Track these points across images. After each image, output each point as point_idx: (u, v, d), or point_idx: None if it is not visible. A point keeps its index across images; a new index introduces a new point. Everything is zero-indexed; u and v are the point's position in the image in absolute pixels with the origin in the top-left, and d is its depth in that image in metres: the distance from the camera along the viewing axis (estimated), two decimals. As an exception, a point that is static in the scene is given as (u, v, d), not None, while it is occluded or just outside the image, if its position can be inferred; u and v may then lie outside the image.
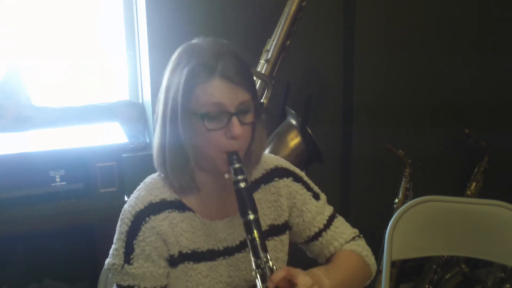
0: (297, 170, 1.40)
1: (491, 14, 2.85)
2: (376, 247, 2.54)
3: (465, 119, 2.85)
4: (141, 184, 1.30)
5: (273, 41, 2.22)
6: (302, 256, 1.44)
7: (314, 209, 1.37)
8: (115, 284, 1.27)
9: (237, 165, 1.16)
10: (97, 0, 2.55)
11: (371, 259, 1.38)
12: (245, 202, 1.16)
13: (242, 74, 1.16)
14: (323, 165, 2.37)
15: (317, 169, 2.40)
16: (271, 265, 1.14)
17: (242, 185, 1.16)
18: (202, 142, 1.17)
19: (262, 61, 2.23)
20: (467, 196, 2.75)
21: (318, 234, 1.37)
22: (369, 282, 1.40)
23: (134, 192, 1.29)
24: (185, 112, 1.16)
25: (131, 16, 2.56)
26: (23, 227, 2.03)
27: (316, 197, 1.39)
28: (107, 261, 1.26)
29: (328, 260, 1.37)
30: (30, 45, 2.49)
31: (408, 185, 2.62)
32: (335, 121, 2.80)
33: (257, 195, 1.32)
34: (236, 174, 1.16)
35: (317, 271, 1.23)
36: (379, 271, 2.59)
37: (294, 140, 2.28)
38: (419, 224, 1.84)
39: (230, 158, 1.16)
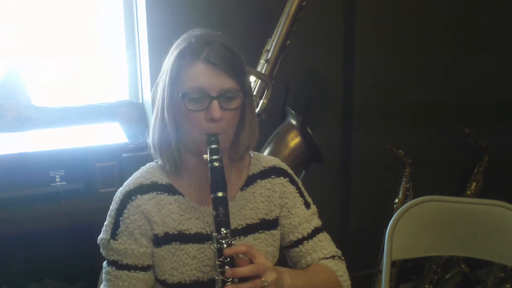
0: (295, 176, 1.45)
1: (491, 14, 2.85)
2: (376, 247, 2.55)
3: (465, 119, 2.85)
4: (139, 169, 1.37)
5: (273, 41, 2.22)
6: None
7: (302, 215, 1.41)
8: (105, 261, 1.34)
9: (213, 146, 1.21)
10: (97, 0, 2.55)
11: (346, 281, 1.41)
12: (217, 180, 1.20)
13: (228, 62, 1.22)
14: (323, 165, 2.37)
15: (317, 169, 2.40)
16: (230, 241, 1.18)
17: (215, 164, 1.21)
18: (186, 124, 1.24)
19: (262, 61, 2.23)
20: (467, 196, 2.75)
21: (300, 242, 1.41)
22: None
23: (131, 176, 1.36)
24: (171, 93, 1.24)
25: (131, 16, 2.56)
26: (23, 227, 2.03)
27: (307, 205, 1.43)
28: (99, 236, 1.33)
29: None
30: (30, 45, 2.49)
31: (408, 185, 2.62)
32: (335, 121, 2.80)
33: (252, 189, 1.38)
34: (211, 154, 1.21)
35: (282, 268, 1.27)
36: (379, 271, 2.59)
37: (294, 140, 2.28)
38: (419, 224, 1.84)
39: (208, 139, 1.22)
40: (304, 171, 2.32)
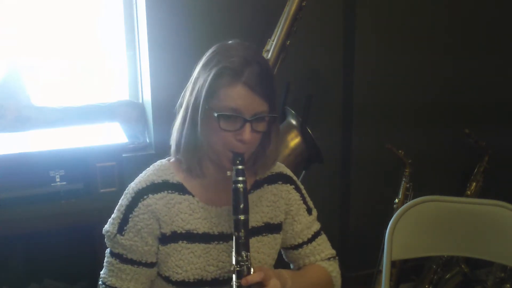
0: (299, 182, 1.49)
1: (491, 14, 2.85)
2: (376, 247, 2.55)
3: (465, 119, 2.85)
4: (150, 166, 1.39)
5: (273, 41, 2.22)
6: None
7: (304, 222, 1.46)
8: (108, 249, 1.35)
9: (239, 167, 1.24)
10: (97, 0, 2.55)
11: (338, 280, 1.49)
12: (239, 202, 1.24)
13: (265, 85, 1.23)
14: (323, 165, 2.37)
15: (317, 169, 2.40)
16: (249, 264, 1.22)
17: (239, 185, 1.24)
18: (214, 137, 1.25)
19: (262, 61, 2.23)
20: (467, 196, 2.75)
21: (300, 246, 1.47)
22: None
23: (143, 172, 1.38)
24: (206, 107, 1.24)
25: (131, 16, 2.56)
26: (23, 227, 2.03)
27: (309, 211, 1.48)
28: (105, 227, 1.35)
29: (299, 269, 1.49)
30: (30, 45, 2.49)
31: (408, 185, 2.62)
32: (335, 121, 2.80)
33: (259, 193, 1.41)
34: (237, 174, 1.24)
35: (286, 274, 1.35)
36: (379, 271, 2.59)
37: (294, 140, 2.28)
38: (419, 224, 1.84)
39: (234, 158, 1.25)
40: (304, 171, 2.32)
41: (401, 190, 2.63)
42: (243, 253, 1.22)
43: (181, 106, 1.33)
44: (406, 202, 1.98)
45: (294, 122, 2.30)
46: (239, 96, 1.21)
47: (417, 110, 2.82)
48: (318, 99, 2.60)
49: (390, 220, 1.83)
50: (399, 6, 2.69)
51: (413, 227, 1.84)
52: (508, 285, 2.58)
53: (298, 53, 2.46)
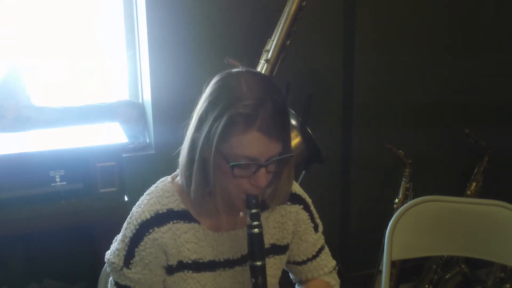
0: (308, 198, 1.44)
1: (491, 14, 2.85)
2: (376, 247, 2.55)
3: (465, 119, 2.85)
4: (152, 188, 1.32)
5: (273, 41, 2.22)
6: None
7: (310, 240, 1.43)
8: (111, 278, 1.30)
9: (254, 211, 1.19)
10: (97, 0, 2.55)
11: None
12: (255, 248, 1.20)
13: (279, 125, 1.16)
14: (323, 165, 2.37)
15: (317, 169, 2.40)
16: None
17: (255, 231, 1.20)
18: (226, 181, 1.19)
19: (262, 61, 2.23)
20: (467, 196, 2.75)
21: (304, 262, 1.45)
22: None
23: (145, 195, 1.31)
24: (217, 152, 1.16)
25: (131, 16, 2.56)
26: (23, 227, 2.03)
27: (316, 228, 1.45)
28: (108, 257, 1.29)
29: (301, 283, 1.48)
30: (30, 45, 2.49)
31: (408, 185, 2.62)
32: (335, 121, 2.80)
33: (266, 214, 1.35)
34: (252, 219, 1.20)
35: None
36: (379, 271, 2.59)
37: (294, 140, 2.27)
38: (419, 224, 1.84)
39: (249, 202, 1.20)
40: (304, 171, 2.32)
41: (401, 190, 2.63)
42: None
43: (184, 134, 1.25)
44: (406, 202, 1.98)
45: (294, 122, 2.30)
46: (253, 144, 1.14)
47: (417, 110, 2.82)
48: (318, 99, 2.60)
49: (390, 220, 1.83)
50: (399, 6, 2.69)
51: (413, 227, 1.84)
52: (508, 285, 2.58)
53: (298, 53, 2.46)
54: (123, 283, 1.28)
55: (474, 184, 2.78)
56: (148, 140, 2.61)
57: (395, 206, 2.60)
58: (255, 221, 1.19)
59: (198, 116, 1.20)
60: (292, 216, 1.38)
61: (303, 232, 1.41)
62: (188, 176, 1.23)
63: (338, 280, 1.49)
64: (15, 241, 2.27)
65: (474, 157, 2.84)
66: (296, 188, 1.42)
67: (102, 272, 1.52)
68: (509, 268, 2.57)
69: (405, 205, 1.86)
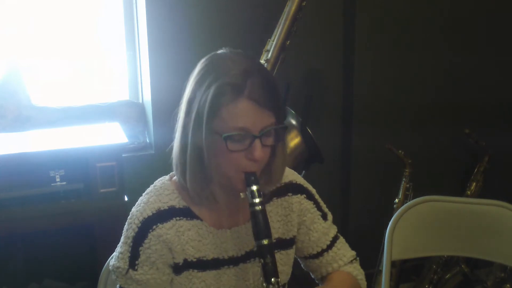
0: (310, 187, 1.40)
1: (491, 14, 2.85)
2: (376, 247, 2.55)
3: (465, 119, 2.85)
4: (151, 188, 1.30)
5: (273, 41, 2.22)
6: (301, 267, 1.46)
7: (321, 229, 1.38)
8: (118, 285, 1.27)
9: (254, 187, 1.16)
10: (97, 0, 2.55)
11: (364, 282, 1.41)
12: (260, 226, 1.16)
13: (269, 95, 1.14)
14: (323, 165, 2.37)
15: (317, 169, 2.40)
16: None
17: (258, 208, 1.16)
18: (222, 160, 1.16)
19: (262, 61, 2.23)
20: (467, 196, 2.74)
21: (320, 254, 1.38)
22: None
23: (143, 195, 1.29)
24: (209, 129, 1.14)
25: (131, 16, 2.56)
26: (23, 227, 2.03)
27: (324, 217, 1.40)
28: (112, 263, 1.27)
29: (323, 278, 1.40)
30: (30, 45, 2.49)
31: (408, 185, 2.62)
32: (335, 121, 2.80)
33: (268, 208, 1.31)
34: (253, 196, 1.16)
35: None
36: (379, 271, 2.59)
37: (294, 140, 2.27)
38: (419, 224, 1.84)
39: (247, 179, 1.16)
40: (304, 171, 2.32)
41: (401, 190, 2.63)
42: (273, 280, 1.14)
43: (176, 130, 1.22)
44: (406, 202, 1.98)
45: (294, 122, 2.30)
46: (244, 113, 1.11)
47: (417, 110, 2.82)
48: (318, 99, 2.60)
49: (390, 220, 1.83)
50: (399, 6, 2.69)
51: (413, 227, 1.83)
52: (508, 285, 2.58)
53: (298, 53, 2.46)
54: (130, 287, 1.24)
55: (474, 184, 2.78)
56: (148, 140, 2.62)
57: (395, 206, 2.60)
58: (256, 198, 1.15)
59: (186, 100, 1.19)
60: (295, 207, 1.35)
61: (310, 221, 1.36)
62: (183, 163, 1.20)
63: (362, 271, 1.41)
64: (15, 241, 2.27)
65: (474, 157, 2.84)
66: (297, 178, 1.39)
67: (102, 272, 1.51)
68: (509, 268, 2.57)
69: (405, 205, 1.85)
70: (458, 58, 2.82)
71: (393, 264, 2.31)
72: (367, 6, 2.64)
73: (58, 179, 2.05)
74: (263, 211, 1.16)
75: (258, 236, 1.16)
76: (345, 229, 2.91)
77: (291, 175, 1.38)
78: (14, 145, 2.17)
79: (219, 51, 1.21)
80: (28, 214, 2.01)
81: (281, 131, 1.20)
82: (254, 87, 1.12)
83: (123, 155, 2.14)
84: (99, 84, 2.63)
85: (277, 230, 1.33)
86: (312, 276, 1.44)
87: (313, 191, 1.40)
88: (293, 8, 2.20)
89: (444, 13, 2.77)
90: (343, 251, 1.41)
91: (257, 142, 1.13)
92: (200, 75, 1.16)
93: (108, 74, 2.64)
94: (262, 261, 1.15)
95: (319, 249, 1.38)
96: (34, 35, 2.49)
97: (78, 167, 2.06)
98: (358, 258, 1.43)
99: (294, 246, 1.37)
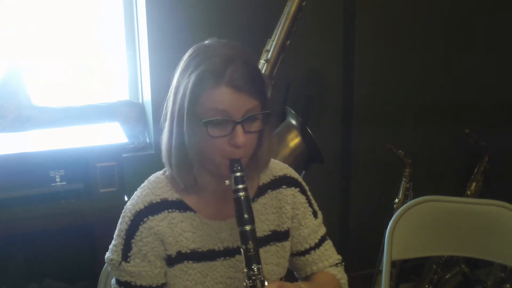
0: (304, 183, 1.41)
1: (491, 14, 2.85)
2: (376, 247, 2.55)
3: (465, 119, 2.85)
4: (145, 182, 1.31)
5: (273, 41, 2.22)
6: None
7: (311, 226, 1.39)
8: (114, 278, 1.29)
9: (238, 174, 1.16)
10: (97, 0, 2.55)
11: (346, 286, 1.43)
12: (243, 212, 1.16)
13: (251, 82, 1.14)
14: (323, 165, 2.37)
15: (317, 169, 2.40)
16: (262, 278, 1.16)
17: (241, 194, 1.16)
18: (205, 147, 1.17)
19: (262, 61, 2.23)
20: (467, 196, 2.74)
21: (307, 252, 1.39)
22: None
23: (138, 189, 1.30)
24: (191, 116, 1.15)
25: (131, 16, 2.56)
26: (23, 227, 2.03)
27: (315, 215, 1.41)
28: (107, 255, 1.29)
29: (307, 278, 1.41)
30: (30, 45, 2.49)
31: (408, 185, 2.62)
32: (335, 121, 2.80)
33: (263, 200, 1.33)
34: (236, 183, 1.16)
35: (303, 285, 1.29)
36: (379, 271, 2.59)
37: (294, 140, 2.28)
38: (419, 224, 1.84)
39: (231, 165, 1.16)
40: (304, 171, 2.32)
41: (401, 190, 2.63)
42: (254, 267, 1.15)
43: (165, 120, 1.24)
44: (406, 202, 1.98)
45: (294, 122, 2.30)
46: (224, 97, 1.12)
47: (417, 110, 2.82)
48: (318, 99, 2.60)
49: (390, 220, 1.83)
50: (399, 6, 2.69)
51: (413, 227, 1.83)
52: (508, 285, 2.58)
53: (298, 53, 2.46)
54: (123, 279, 1.26)
55: (474, 184, 2.78)
56: (148, 140, 2.62)
57: (395, 206, 2.60)
58: (240, 184, 1.15)
59: (172, 89, 1.21)
60: (289, 200, 1.35)
61: (302, 216, 1.37)
62: (168, 149, 1.22)
63: (346, 276, 1.43)
64: (15, 241, 2.27)
65: (474, 157, 2.84)
66: (291, 172, 1.40)
67: (102, 272, 1.51)
68: (509, 268, 2.57)
69: (405, 205, 1.85)
70: (458, 58, 2.82)
71: (393, 264, 2.32)
72: (367, 6, 2.64)
73: (58, 179, 2.05)
74: (247, 197, 1.17)
75: (241, 222, 1.16)
76: (345, 229, 2.91)
77: (285, 169, 1.39)
78: (14, 145, 2.17)
79: (206, 41, 1.23)
80: (28, 214, 2.01)
81: (266, 117, 1.19)
82: (235, 73, 1.13)
83: (123, 155, 2.14)
84: (99, 84, 2.63)
85: (272, 222, 1.34)
86: (296, 275, 1.46)
87: (306, 187, 1.42)
88: (293, 8, 2.20)
89: (444, 13, 2.77)
90: (330, 253, 1.42)
91: (239, 128, 1.14)
92: (185, 65, 1.19)
93: (108, 74, 2.65)
94: (244, 247, 1.16)
95: (307, 246, 1.39)
96: (34, 35, 2.49)
97: (78, 167, 2.06)
98: (343, 263, 1.44)
99: (289, 239, 1.37)
